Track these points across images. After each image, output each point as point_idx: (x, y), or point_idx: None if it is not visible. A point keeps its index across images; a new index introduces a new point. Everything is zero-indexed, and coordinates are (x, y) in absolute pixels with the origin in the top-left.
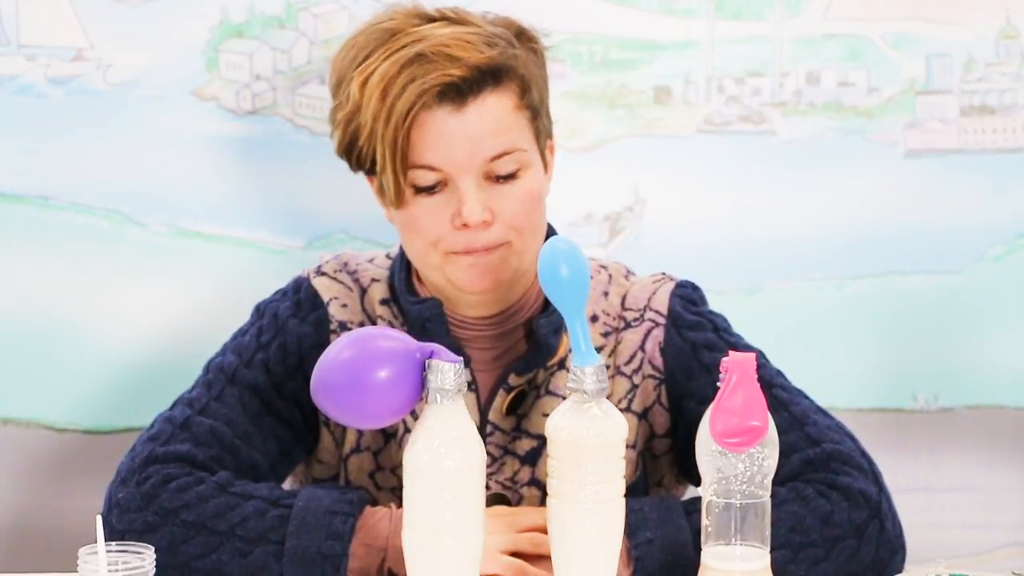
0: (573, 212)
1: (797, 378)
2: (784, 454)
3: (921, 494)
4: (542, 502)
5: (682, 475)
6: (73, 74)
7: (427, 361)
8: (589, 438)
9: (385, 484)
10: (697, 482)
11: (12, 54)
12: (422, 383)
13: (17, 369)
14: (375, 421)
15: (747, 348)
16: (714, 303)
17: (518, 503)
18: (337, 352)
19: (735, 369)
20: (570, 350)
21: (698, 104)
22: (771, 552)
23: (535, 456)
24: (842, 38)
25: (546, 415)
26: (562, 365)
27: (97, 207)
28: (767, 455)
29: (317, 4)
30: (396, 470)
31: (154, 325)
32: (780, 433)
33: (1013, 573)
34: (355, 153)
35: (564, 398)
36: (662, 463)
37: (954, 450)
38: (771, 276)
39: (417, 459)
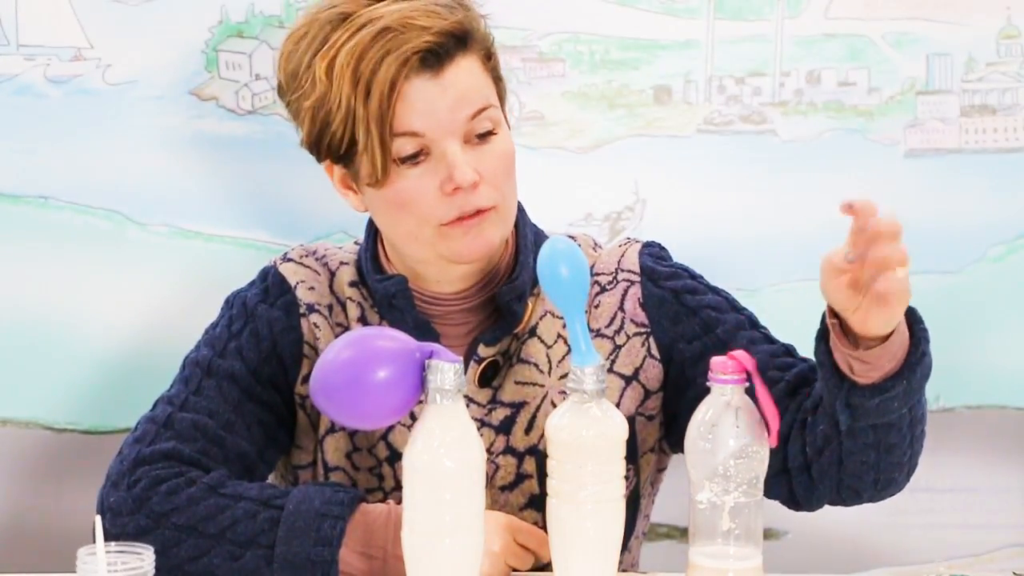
0: (573, 212)
1: None
2: (783, 368)
3: (921, 494)
4: (517, 470)
5: (666, 431)
6: (72, 74)
7: (427, 361)
8: (589, 438)
9: (362, 464)
10: (675, 441)
11: (11, 54)
12: (422, 383)
13: (16, 369)
14: (375, 421)
15: (717, 291)
16: None
17: (495, 473)
18: (337, 352)
19: (745, 365)
20: (540, 317)
21: (698, 104)
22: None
23: (509, 424)
24: (842, 38)
25: (519, 383)
26: (533, 333)
27: (97, 207)
28: (761, 455)
29: None
30: (373, 450)
31: (153, 325)
32: (775, 357)
33: (1014, 573)
34: (326, 140)
35: (536, 365)
36: (656, 425)
37: (955, 450)
38: (771, 276)
39: (417, 459)
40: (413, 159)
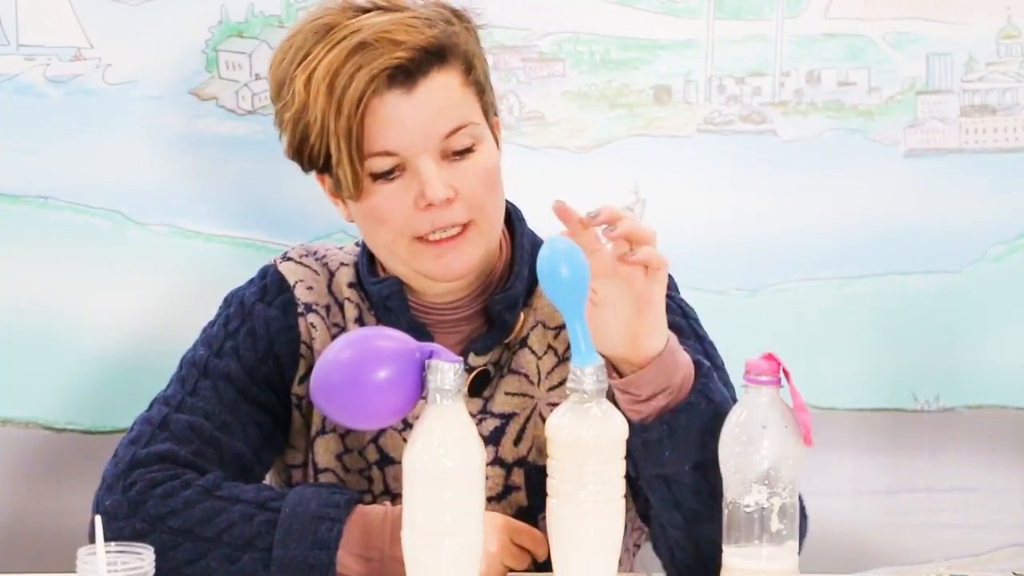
0: None
1: (797, 378)
2: None
3: (922, 494)
4: (505, 481)
5: None
6: (72, 74)
7: (427, 361)
8: (589, 438)
9: (353, 466)
10: None
11: (11, 54)
12: (422, 383)
13: (16, 369)
14: (374, 421)
15: (687, 314)
16: (714, 303)
17: None
18: (337, 352)
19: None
20: (531, 328)
21: (698, 104)
22: None
23: (498, 436)
24: (842, 38)
25: (509, 394)
26: (523, 343)
27: (97, 207)
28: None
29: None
30: (363, 452)
31: (153, 325)
32: None
33: (1014, 574)
34: (306, 152)
35: (526, 376)
36: None
37: (955, 450)
38: (771, 276)
39: (416, 460)
40: (387, 176)
